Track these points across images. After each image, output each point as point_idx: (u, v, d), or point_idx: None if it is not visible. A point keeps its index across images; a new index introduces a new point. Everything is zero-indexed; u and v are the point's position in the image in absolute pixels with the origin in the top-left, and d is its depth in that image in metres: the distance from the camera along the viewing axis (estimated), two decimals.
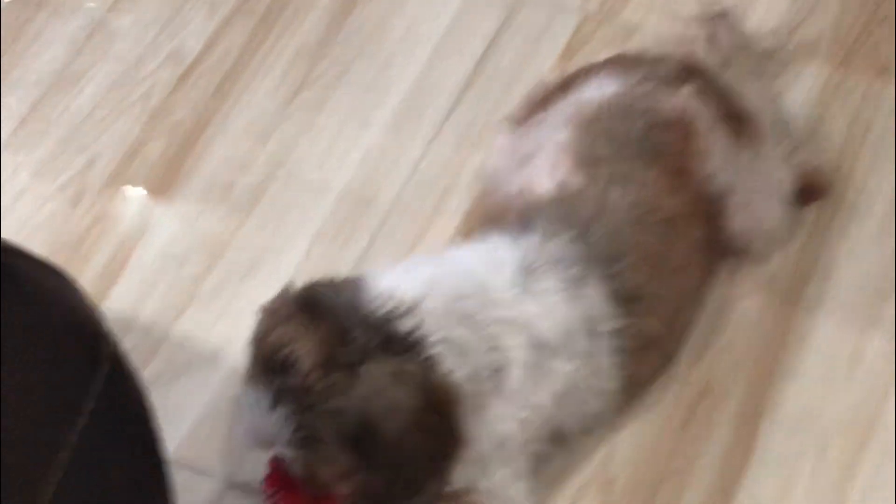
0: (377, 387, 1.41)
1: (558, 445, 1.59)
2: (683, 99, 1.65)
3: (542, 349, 1.50)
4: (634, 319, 1.55)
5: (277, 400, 1.43)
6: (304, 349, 1.43)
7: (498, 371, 1.48)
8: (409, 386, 1.42)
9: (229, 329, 1.75)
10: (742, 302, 1.71)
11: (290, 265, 1.81)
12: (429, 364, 1.44)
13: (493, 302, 1.50)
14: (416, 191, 1.86)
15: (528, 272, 1.52)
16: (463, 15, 2.02)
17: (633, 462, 1.61)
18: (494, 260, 1.54)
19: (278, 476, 1.52)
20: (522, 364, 1.49)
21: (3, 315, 1.19)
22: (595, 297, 1.53)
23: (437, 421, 1.44)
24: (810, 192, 1.77)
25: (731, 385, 1.65)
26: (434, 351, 1.44)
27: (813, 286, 1.71)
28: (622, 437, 1.63)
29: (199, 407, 1.69)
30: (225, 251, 1.83)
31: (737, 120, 1.69)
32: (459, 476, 1.50)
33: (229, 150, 1.92)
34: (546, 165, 1.64)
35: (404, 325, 1.44)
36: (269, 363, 1.44)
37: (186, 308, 1.78)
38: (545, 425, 1.54)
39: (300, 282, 1.71)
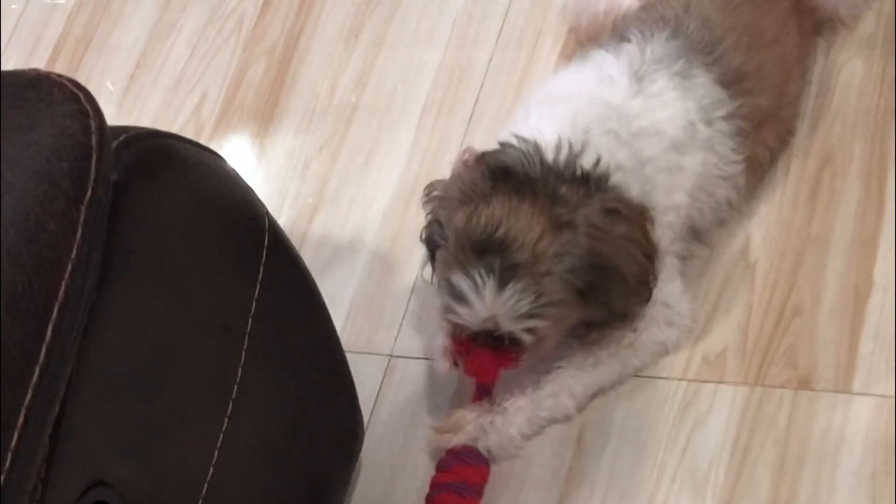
0: (600, 231, 1.46)
1: (697, 242, 1.63)
2: None
3: (675, 149, 1.54)
4: (745, 99, 1.58)
5: (506, 279, 1.45)
6: (525, 220, 1.45)
7: (648, 181, 1.52)
8: (622, 218, 1.47)
9: (360, 221, 1.82)
10: (845, 67, 1.71)
11: (405, 146, 1.87)
12: (619, 192, 1.49)
13: (626, 117, 1.54)
14: (507, 45, 1.90)
15: (639, 78, 1.56)
16: None
17: (770, 240, 1.64)
18: (606, 77, 1.58)
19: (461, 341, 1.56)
20: (663, 169, 1.54)
21: (167, 190, 1.26)
22: (704, 85, 1.57)
23: (646, 238, 1.49)
24: None
25: (851, 148, 1.66)
26: (616, 179, 1.49)
27: None
28: (755, 221, 1.65)
29: (350, 295, 1.77)
30: (341, 148, 1.90)
31: None
32: None
33: (326, 56, 1.98)
34: None
35: (586, 162, 1.48)
36: (484, 245, 1.46)
37: (317, 211, 1.85)
38: (685, 221, 1.58)
39: (414, 168, 1.79)
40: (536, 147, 1.49)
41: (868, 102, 1.68)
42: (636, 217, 1.49)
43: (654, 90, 1.56)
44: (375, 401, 1.68)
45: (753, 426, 1.53)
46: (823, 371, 1.54)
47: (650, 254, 1.50)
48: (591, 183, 1.47)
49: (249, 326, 1.36)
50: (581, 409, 1.60)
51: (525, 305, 1.45)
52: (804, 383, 1.54)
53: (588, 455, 1.59)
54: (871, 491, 1.45)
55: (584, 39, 1.80)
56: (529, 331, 1.48)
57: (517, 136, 1.51)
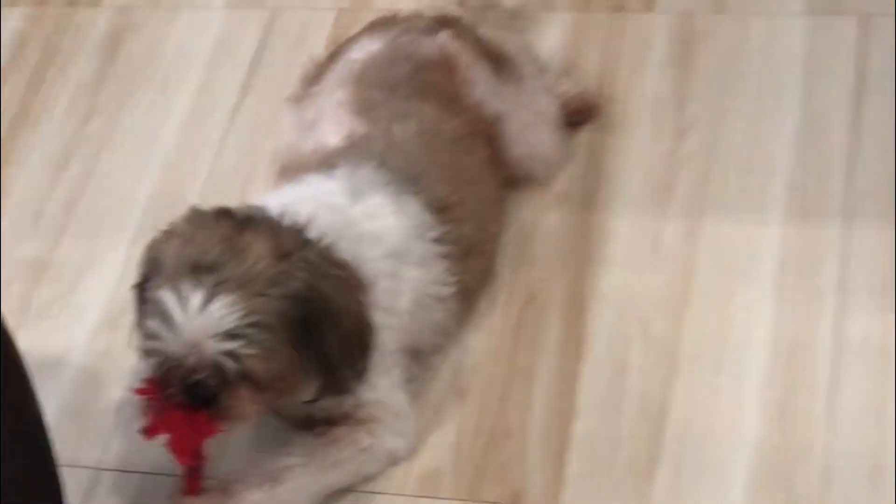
0: (319, 270, 1.49)
1: (416, 362, 1.70)
2: (442, 40, 1.81)
3: (395, 258, 1.62)
4: (452, 225, 1.69)
5: (214, 293, 1.45)
6: (242, 245, 1.47)
7: (370, 284, 1.58)
8: (339, 266, 1.52)
9: (65, 338, 1.80)
10: (544, 217, 1.86)
11: (114, 271, 1.87)
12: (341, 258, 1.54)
13: (349, 220, 1.61)
14: (219, 184, 1.95)
15: (356, 193, 1.64)
16: (227, 28, 2.14)
17: (480, 369, 1.73)
18: (325, 190, 1.64)
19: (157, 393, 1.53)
20: (387, 274, 1.61)
21: None
22: (415, 208, 1.66)
23: (364, 306, 1.54)
24: (581, 115, 1.93)
25: (551, 289, 1.79)
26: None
27: (602, 192, 1.87)
28: (465, 351, 1.75)
29: (55, 408, 1.72)
30: (46, 269, 1.88)
31: (495, 59, 1.85)
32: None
33: (32, 183, 1.99)
34: (331, 124, 1.77)
35: (311, 234, 1.53)
36: (196, 264, 1.46)
37: (19, 328, 1.81)
38: (407, 338, 1.65)
39: (125, 287, 1.80)
40: (262, 208, 1.56)
41: (566, 249, 1.82)
42: (352, 278, 1.54)
43: (373, 203, 1.64)
44: None
45: None
46: (532, 488, 1.62)
47: (365, 320, 1.54)
48: (312, 244, 1.52)
49: None
50: None
51: (232, 321, 1.45)
52: (516, 499, 1.62)
53: None
54: None
55: (292, 176, 1.83)
56: (235, 359, 1.46)
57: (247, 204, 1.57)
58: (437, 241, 1.67)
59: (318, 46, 2.06)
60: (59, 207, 1.96)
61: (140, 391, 1.55)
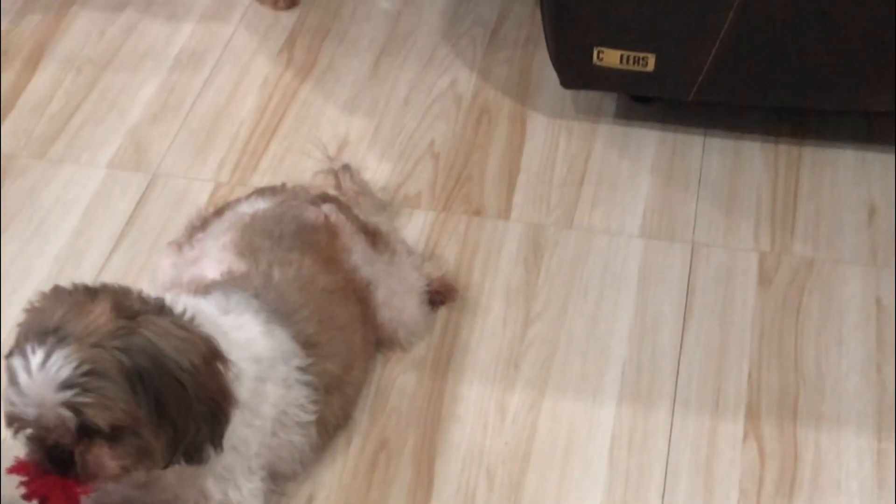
0: (163, 329, 1.56)
1: (274, 483, 1.77)
2: (327, 209, 1.96)
3: (260, 364, 1.71)
4: (316, 360, 1.79)
5: (53, 349, 1.50)
6: (87, 308, 1.54)
7: (236, 379, 1.66)
8: (190, 334, 1.58)
9: None
10: (400, 378, 1.98)
11: None
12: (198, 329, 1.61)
13: (219, 326, 1.69)
14: None
15: (226, 311, 1.74)
16: (107, 184, 2.25)
17: (331, 502, 1.81)
18: (196, 305, 1.72)
19: (30, 463, 1.57)
20: (251, 376, 1.69)
21: None
22: (283, 336, 1.77)
23: (215, 367, 1.60)
24: (441, 295, 2.09)
25: (405, 438, 1.90)
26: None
27: (456, 361, 2.01)
28: (318, 483, 1.83)
29: None
30: None
31: (371, 234, 2.01)
32: (214, 490, 1.66)
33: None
34: (212, 262, 1.88)
35: (174, 308, 1.61)
36: (41, 329, 1.53)
37: None
38: (267, 452, 1.72)
39: None
40: (121, 286, 1.62)
41: (419, 405, 1.94)
42: (204, 344, 1.59)
43: (242, 320, 1.73)
44: None
45: None
46: None
47: (217, 385, 1.59)
48: (168, 312, 1.59)
49: None
50: None
51: (67, 371, 1.49)
52: None
53: None
54: None
55: None
56: (74, 409, 1.50)
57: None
58: (301, 369, 1.77)
59: (193, 212, 2.19)
60: None
61: (12, 470, 1.59)
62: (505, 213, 2.25)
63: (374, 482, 1.84)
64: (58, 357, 1.50)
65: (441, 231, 2.22)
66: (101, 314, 1.54)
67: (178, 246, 1.98)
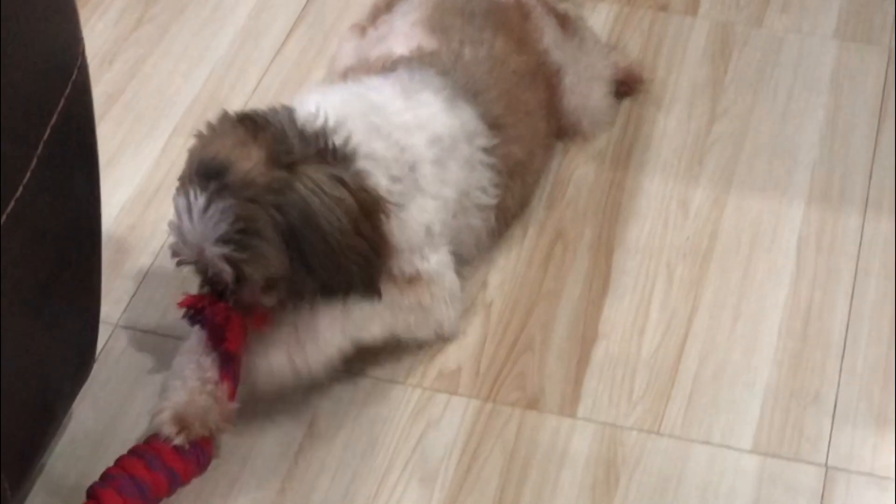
0: (317, 185, 1.51)
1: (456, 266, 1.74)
2: None
3: (440, 147, 1.65)
4: (502, 142, 1.73)
5: (213, 198, 1.49)
6: (245, 152, 1.51)
7: (412, 168, 1.62)
8: (347, 188, 1.53)
9: None
10: (578, 169, 1.92)
11: (150, 155, 1.90)
12: (360, 175, 1.56)
13: (389, 112, 1.64)
14: (262, 99, 1.98)
15: (407, 92, 1.68)
16: None
17: (506, 288, 1.77)
18: (375, 87, 1.68)
19: (201, 300, 1.56)
20: (429, 161, 1.64)
21: None
22: (468, 114, 1.71)
23: (370, 224, 1.55)
24: (626, 86, 2.01)
25: (581, 230, 1.84)
26: (360, 165, 1.57)
27: (637, 155, 1.93)
28: (493, 269, 1.79)
29: None
30: None
31: (561, 17, 1.93)
32: (406, 264, 1.63)
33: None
34: (401, 38, 1.81)
35: (336, 139, 1.56)
36: (205, 169, 1.51)
37: None
38: (449, 233, 1.68)
39: (159, 172, 1.82)
40: (288, 109, 1.58)
41: (598, 197, 1.88)
42: (364, 200, 1.54)
43: (422, 99, 1.68)
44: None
45: (484, 433, 1.62)
46: (550, 397, 1.65)
47: (374, 242, 1.55)
48: (328, 154, 1.54)
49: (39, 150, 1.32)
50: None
51: (224, 226, 1.48)
52: (532, 404, 1.64)
53: (320, 438, 1.61)
54: (591, 500, 1.55)
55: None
56: (231, 264, 1.50)
57: (281, 105, 1.60)
58: (486, 150, 1.72)
59: None
60: (99, 97, 1.97)
61: (182, 303, 1.58)
62: (692, 8, 2.15)
63: (550, 272, 1.79)
64: (216, 209, 1.48)
65: (625, 25, 2.13)
66: (258, 163, 1.50)
67: (362, 29, 1.93)
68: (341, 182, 1.53)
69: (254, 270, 1.51)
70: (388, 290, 1.59)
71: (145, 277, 1.76)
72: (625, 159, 1.93)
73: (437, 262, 1.65)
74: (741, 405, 1.65)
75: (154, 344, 1.69)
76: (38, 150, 1.32)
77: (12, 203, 1.28)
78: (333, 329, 1.59)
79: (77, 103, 1.39)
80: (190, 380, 1.55)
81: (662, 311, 1.75)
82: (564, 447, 1.60)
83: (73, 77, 1.37)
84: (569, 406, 1.64)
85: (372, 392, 1.65)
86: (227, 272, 1.51)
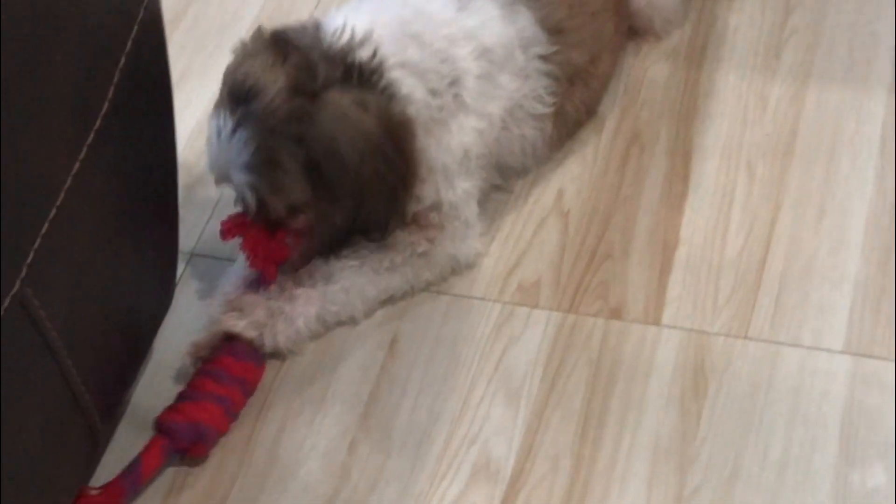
0: (340, 113, 1.49)
1: (502, 178, 1.71)
2: None
3: (489, 59, 1.61)
4: (562, 48, 1.68)
5: (239, 124, 1.48)
6: (270, 78, 1.49)
7: (454, 83, 1.58)
8: (371, 114, 1.50)
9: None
10: (651, 69, 1.86)
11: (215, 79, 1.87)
12: (388, 94, 1.53)
13: (435, 21, 1.60)
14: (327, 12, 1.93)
15: (462, 3, 1.62)
16: None
17: (583, 196, 1.73)
18: None
19: (238, 219, 1.57)
20: (475, 74, 1.60)
21: None
22: (526, 21, 1.66)
23: (395, 150, 1.52)
24: None
25: (657, 131, 1.79)
26: (392, 75, 1.54)
27: (711, 52, 1.88)
28: (568, 177, 1.75)
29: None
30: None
31: None
32: (429, 189, 1.60)
33: None
34: None
35: (362, 54, 1.53)
36: (235, 93, 1.50)
37: None
38: (494, 147, 1.65)
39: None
40: (317, 25, 1.56)
41: (673, 97, 1.83)
42: (389, 124, 1.51)
43: (476, 7, 1.63)
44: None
45: (567, 346, 1.59)
46: (633, 305, 1.62)
47: (399, 169, 1.53)
48: (354, 74, 1.51)
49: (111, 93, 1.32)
50: (368, 314, 1.62)
51: (247, 155, 1.48)
52: (615, 314, 1.61)
53: (402, 358, 1.59)
54: (679, 409, 1.53)
55: None
56: (255, 191, 1.50)
57: (315, 20, 1.58)
58: (543, 58, 1.67)
59: None
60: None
61: (223, 223, 1.59)
62: None
63: (627, 176, 1.75)
64: (240, 137, 1.48)
65: None
66: (282, 89, 1.47)
67: None
68: (366, 106, 1.50)
69: (274, 199, 1.51)
70: (377, 249, 1.59)
71: (217, 205, 1.74)
72: (699, 57, 1.87)
73: (462, 191, 1.62)
74: (830, 305, 1.61)
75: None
76: (115, 79, 1.32)
77: (92, 135, 1.28)
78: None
79: (149, 31, 1.38)
80: (234, 284, 1.61)
81: (744, 211, 1.71)
82: (650, 356, 1.57)
83: (145, 3, 1.36)
84: (653, 314, 1.61)
85: (450, 310, 1.63)
86: (249, 198, 1.52)
